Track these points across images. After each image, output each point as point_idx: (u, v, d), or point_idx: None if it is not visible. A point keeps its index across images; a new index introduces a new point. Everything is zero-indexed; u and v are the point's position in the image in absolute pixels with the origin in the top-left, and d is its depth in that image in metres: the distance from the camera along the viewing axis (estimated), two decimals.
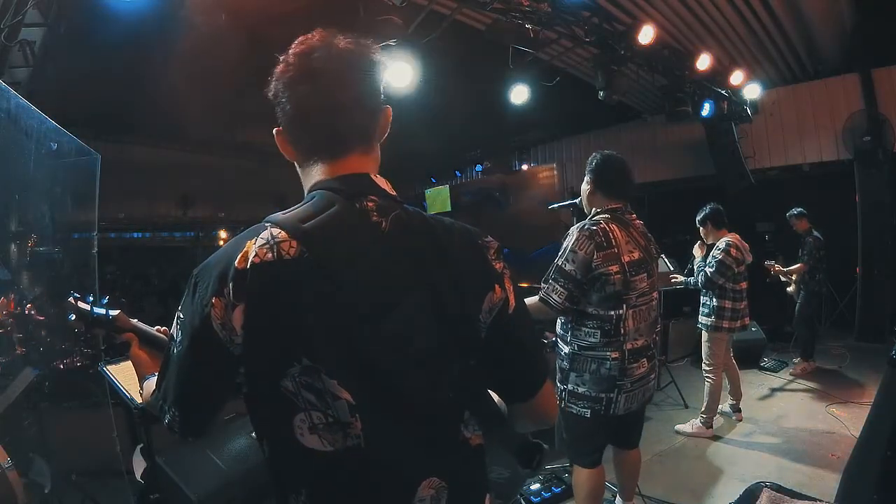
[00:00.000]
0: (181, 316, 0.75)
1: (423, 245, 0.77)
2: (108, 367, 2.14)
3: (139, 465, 2.18)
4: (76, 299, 1.18)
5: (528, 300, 2.18)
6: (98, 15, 3.49)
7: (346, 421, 0.70)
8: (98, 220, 2.87)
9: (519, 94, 5.62)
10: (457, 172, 12.27)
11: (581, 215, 2.37)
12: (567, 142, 9.85)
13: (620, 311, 1.99)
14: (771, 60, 6.47)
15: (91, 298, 1.21)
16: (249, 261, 0.69)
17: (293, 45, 0.82)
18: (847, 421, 3.68)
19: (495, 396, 0.86)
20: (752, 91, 6.34)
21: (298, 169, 0.86)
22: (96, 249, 2.84)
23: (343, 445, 0.71)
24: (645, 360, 2.07)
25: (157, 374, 0.83)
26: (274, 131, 0.86)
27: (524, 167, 11.01)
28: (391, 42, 4.02)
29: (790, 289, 5.18)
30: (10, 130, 2.39)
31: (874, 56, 6.02)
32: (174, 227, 11.61)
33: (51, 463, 2.45)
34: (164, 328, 1.22)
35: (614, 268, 1.97)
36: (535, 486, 2.82)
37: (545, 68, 5.80)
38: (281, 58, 0.83)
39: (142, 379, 1.08)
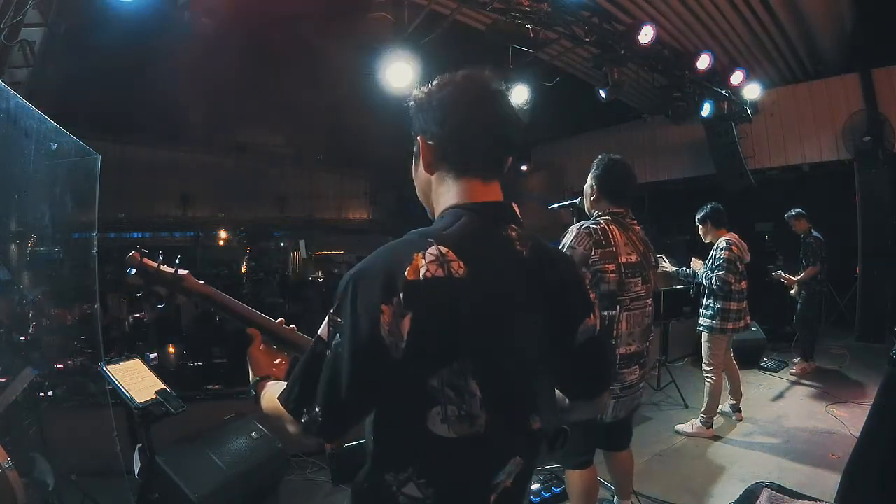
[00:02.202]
0: (339, 320, 0.79)
1: (551, 274, 0.92)
2: (108, 367, 2.15)
3: (139, 465, 2.18)
4: (141, 255, 1.19)
5: None
6: (98, 15, 3.49)
7: (476, 414, 0.81)
8: (98, 220, 2.86)
9: (519, 94, 5.62)
10: None
11: (581, 215, 2.37)
12: (567, 142, 9.85)
13: (614, 313, 1.99)
14: (771, 60, 6.47)
15: (161, 257, 1.22)
16: (422, 274, 0.76)
17: (458, 74, 0.93)
18: (847, 421, 3.68)
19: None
20: (752, 91, 6.34)
21: (427, 179, 0.95)
22: (96, 249, 2.84)
23: (466, 433, 0.81)
24: (637, 367, 2.06)
25: (285, 377, 0.93)
26: (419, 138, 0.93)
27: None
28: (390, 45, 4.03)
29: (793, 291, 5.18)
30: (10, 130, 2.39)
31: (874, 56, 6.03)
32: (174, 227, 11.61)
33: (51, 463, 2.45)
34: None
35: (611, 266, 1.97)
36: (535, 486, 2.83)
37: (545, 68, 5.80)
38: (444, 77, 0.94)
39: (256, 373, 1.10)
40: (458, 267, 0.78)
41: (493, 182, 0.91)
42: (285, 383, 0.90)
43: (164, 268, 1.21)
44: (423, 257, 0.77)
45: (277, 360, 1.15)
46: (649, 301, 2.14)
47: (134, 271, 1.19)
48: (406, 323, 0.75)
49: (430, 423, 0.80)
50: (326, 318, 0.82)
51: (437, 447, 0.81)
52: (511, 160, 0.95)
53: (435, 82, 0.94)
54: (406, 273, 0.76)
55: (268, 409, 0.96)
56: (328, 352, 0.80)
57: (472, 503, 0.87)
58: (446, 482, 0.84)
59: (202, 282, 1.24)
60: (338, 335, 0.79)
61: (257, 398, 1.04)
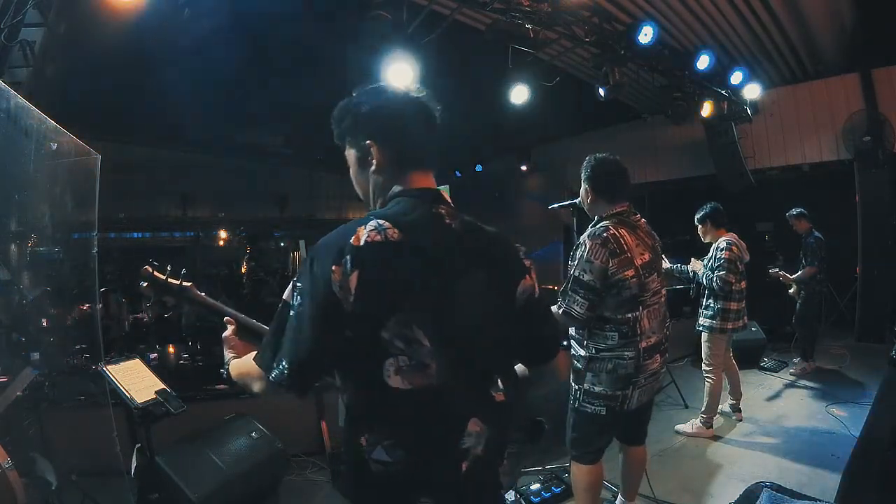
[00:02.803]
0: (300, 284, 0.94)
1: (481, 240, 1.07)
2: (108, 367, 2.15)
3: (135, 463, 2.18)
4: (153, 268, 1.41)
5: None
6: (98, 15, 3.49)
7: (425, 364, 0.92)
8: (98, 220, 2.86)
9: (519, 94, 5.62)
10: (457, 172, 12.27)
11: (581, 215, 2.37)
12: (567, 142, 9.85)
13: (637, 313, 2.01)
14: (771, 60, 6.47)
15: (170, 268, 1.44)
16: (363, 240, 0.92)
17: (385, 84, 1.13)
18: (847, 421, 3.68)
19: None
20: (752, 91, 6.33)
21: (378, 177, 1.08)
22: (96, 249, 2.83)
23: (420, 385, 0.92)
24: (658, 355, 2.10)
25: (251, 353, 1.04)
26: (367, 142, 1.07)
27: (524, 167, 11.02)
28: (390, 45, 4.03)
29: (791, 290, 5.18)
30: (10, 130, 2.39)
31: (874, 56, 6.03)
32: (174, 227, 11.61)
33: (51, 463, 2.45)
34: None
35: (630, 272, 1.99)
36: (535, 486, 2.83)
37: (545, 68, 5.79)
38: (378, 86, 1.12)
39: (228, 353, 1.25)
40: (393, 233, 0.94)
41: (428, 172, 1.09)
42: (253, 355, 1.02)
43: (171, 280, 1.43)
44: (365, 228, 0.93)
45: (243, 347, 1.27)
46: (664, 291, 2.18)
47: (146, 283, 1.40)
48: (353, 279, 0.89)
49: (386, 375, 0.91)
50: (290, 285, 0.96)
51: (396, 402, 0.92)
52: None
53: (365, 96, 1.09)
54: (352, 241, 0.92)
55: (237, 376, 1.10)
56: (291, 312, 0.94)
57: (443, 468, 0.96)
58: (412, 443, 0.94)
59: (203, 293, 1.47)
60: (299, 297, 0.93)
61: (229, 373, 1.16)
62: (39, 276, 2.92)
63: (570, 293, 2.02)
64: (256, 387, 1.01)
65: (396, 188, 1.06)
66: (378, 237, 0.92)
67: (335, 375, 1.00)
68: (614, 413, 2.05)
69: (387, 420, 0.94)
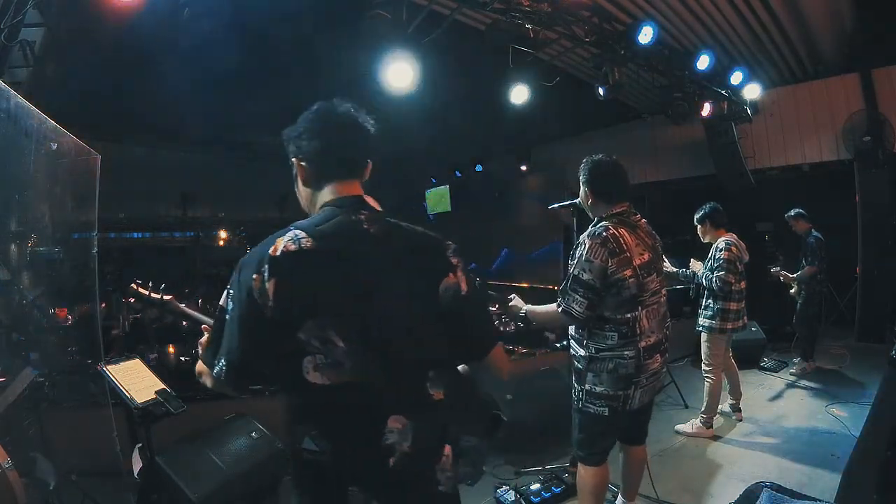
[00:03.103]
0: (231, 292, 1.04)
1: (402, 242, 1.11)
2: (108, 367, 2.15)
3: (138, 464, 2.18)
4: (137, 285, 1.61)
5: (545, 310, 2.19)
6: (98, 15, 3.48)
7: (339, 361, 1.00)
8: (98, 220, 2.86)
9: (519, 94, 5.61)
10: (457, 172, 12.26)
11: (581, 215, 2.37)
12: (567, 142, 9.85)
13: (636, 313, 2.01)
14: (771, 60, 6.47)
15: (151, 284, 1.64)
16: (280, 251, 1.00)
17: (317, 104, 1.18)
18: (847, 421, 3.68)
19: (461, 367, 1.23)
20: (752, 91, 6.33)
21: (307, 190, 1.19)
22: (96, 249, 2.83)
23: (337, 381, 1.00)
24: (658, 354, 2.10)
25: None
26: (293, 160, 1.19)
27: (524, 167, 11.01)
28: (390, 45, 4.03)
29: (792, 290, 5.18)
30: (10, 130, 2.39)
31: (874, 56, 6.02)
32: (174, 227, 11.60)
33: (51, 463, 2.45)
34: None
35: (628, 272, 1.99)
36: (535, 486, 2.83)
37: (545, 68, 5.79)
38: (312, 109, 1.18)
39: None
40: (307, 242, 1.01)
41: (351, 182, 1.17)
42: (199, 364, 1.13)
43: (154, 294, 1.63)
44: (283, 239, 1.02)
45: None
46: (664, 291, 2.18)
47: (133, 298, 1.63)
48: (271, 287, 0.98)
49: (306, 371, 1.00)
50: (225, 292, 1.06)
51: (317, 396, 1.01)
52: (370, 164, 1.21)
53: (299, 118, 1.19)
54: (270, 252, 1.01)
55: (197, 374, 1.17)
56: (226, 316, 1.04)
57: (366, 462, 1.03)
58: (334, 435, 1.03)
59: (183, 304, 1.67)
60: (231, 303, 1.04)
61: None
62: (39, 276, 2.92)
63: (569, 292, 2.02)
64: (207, 382, 1.11)
65: (322, 199, 1.15)
66: (293, 247, 1.01)
67: (266, 373, 1.09)
68: (616, 413, 2.05)
69: (311, 412, 1.05)
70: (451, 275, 1.13)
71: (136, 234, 11.14)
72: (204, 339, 1.33)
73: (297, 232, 1.03)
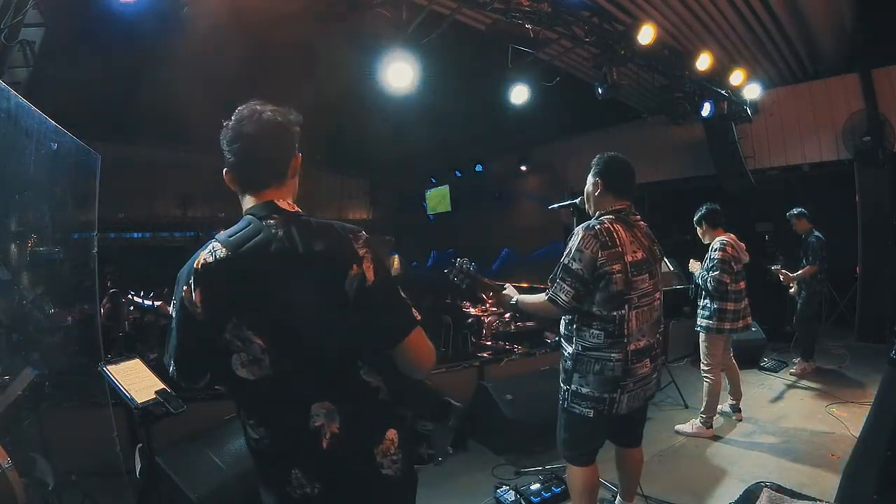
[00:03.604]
0: (174, 301, 1.17)
1: (304, 240, 1.15)
2: (108, 367, 2.15)
3: (138, 464, 2.18)
4: (133, 295, 1.81)
5: (533, 299, 2.19)
6: (98, 15, 3.49)
7: (259, 358, 1.10)
8: (98, 220, 2.86)
9: (519, 94, 5.62)
10: (457, 172, 12.26)
11: (581, 215, 2.37)
12: (567, 142, 9.84)
13: (623, 312, 2.00)
14: (771, 60, 6.47)
15: (143, 293, 1.75)
16: (201, 263, 1.12)
17: (234, 114, 1.24)
18: (847, 421, 3.68)
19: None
20: (752, 91, 6.34)
21: (239, 197, 1.26)
22: (96, 249, 2.84)
23: (260, 375, 1.11)
24: (648, 359, 2.08)
25: None
26: (224, 171, 1.24)
27: (523, 167, 11.01)
28: (390, 45, 4.03)
29: (792, 290, 5.18)
30: (10, 130, 2.39)
31: (874, 56, 6.02)
32: (174, 227, 11.60)
33: (51, 463, 2.45)
34: None
35: (617, 267, 1.98)
36: (535, 486, 2.83)
37: (545, 68, 5.79)
38: (225, 122, 1.23)
39: None
40: (222, 252, 1.11)
41: (266, 190, 1.22)
42: None
43: (146, 301, 1.74)
44: (204, 252, 1.13)
45: None
46: (657, 295, 2.16)
47: (132, 307, 1.73)
48: (198, 295, 1.10)
49: (235, 367, 1.12)
50: (172, 302, 1.20)
51: (247, 390, 1.13)
52: (298, 158, 1.27)
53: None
54: (194, 265, 1.12)
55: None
56: (172, 323, 1.17)
57: (300, 444, 1.13)
58: (267, 423, 1.15)
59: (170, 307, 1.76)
60: (173, 311, 1.18)
61: None
62: (39, 276, 2.92)
63: (558, 280, 2.03)
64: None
65: (245, 206, 1.24)
66: (210, 259, 1.12)
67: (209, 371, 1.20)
68: (602, 416, 2.03)
69: (245, 404, 1.18)
70: (354, 266, 1.15)
71: (136, 234, 11.14)
72: None
73: (215, 244, 1.14)
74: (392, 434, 1.18)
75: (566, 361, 2.13)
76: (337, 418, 1.12)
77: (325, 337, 1.13)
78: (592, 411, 2.04)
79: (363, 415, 1.16)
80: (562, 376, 2.16)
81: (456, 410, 1.25)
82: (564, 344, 2.16)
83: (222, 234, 1.17)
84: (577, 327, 2.07)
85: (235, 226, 1.19)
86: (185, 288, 1.11)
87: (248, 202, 1.23)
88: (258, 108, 1.23)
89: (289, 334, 1.11)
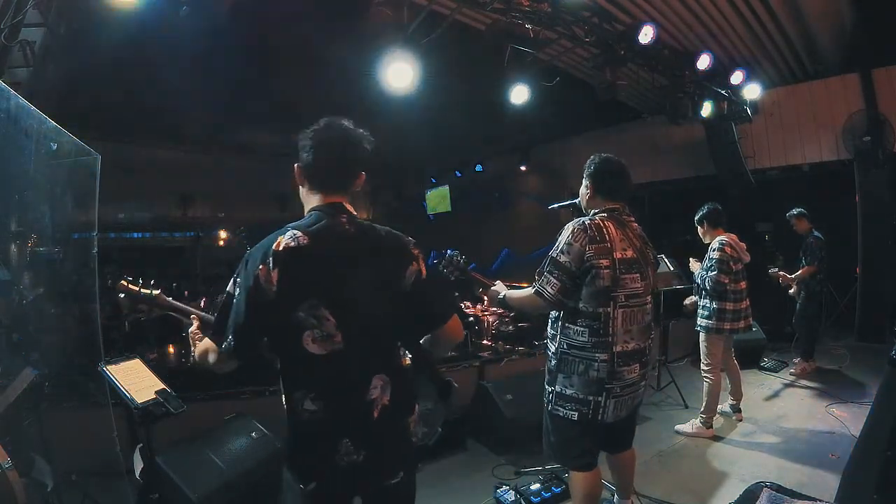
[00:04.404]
0: (238, 279, 1.27)
1: (372, 239, 1.37)
2: (108, 367, 2.15)
3: (139, 465, 2.18)
4: (128, 281, 1.68)
5: (520, 293, 2.19)
6: (98, 15, 3.49)
7: (332, 334, 1.24)
8: (98, 220, 2.86)
9: (519, 94, 5.61)
10: (457, 172, 12.26)
11: (580, 215, 2.37)
12: (567, 142, 9.85)
13: (608, 309, 1.98)
14: (771, 60, 6.47)
15: (141, 281, 1.71)
16: (282, 246, 1.24)
17: (320, 123, 1.39)
18: (847, 421, 3.69)
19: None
20: (752, 91, 6.33)
21: (302, 190, 1.44)
22: (96, 249, 2.83)
23: (331, 350, 1.24)
24: (637, 365, 2.05)
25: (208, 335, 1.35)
26: (295, 166, 1.42)
27: (523, 167, 11.00)
28: (390, 45, 4.03)
29: (791, 290, 5.18)
30: (10, 130, 2.39)
31: (874, 56, 6.02)
32: (174, 227, 11.61)
33: (51, 463, 2.45)
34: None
35: (605, 262, 1.97)
36: (535, 486, 2.83)
37: (545, 68, 5.79)
38: (314, 125, 1.39)
39: (194, 345, 1.51)
40: (303, 239, 1.26)
41: (337, 193, 1.39)
42: (200, 345, 1.37)
43: (143, 290, 1.71)
44: (284, 237, 1.25)
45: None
46: (648, 298, 2.13)
47: (122, 294, 1.68)
48: (274, 276, 1.21)
49: (305, 343, 1.23)
50: (231, 281, 1.28)
51: (315, 363, 1.24)
52: (363, 175, 1.43)
53: (306, 130, 1.40)
54: (273, 247, 1.24)
55: (198, 355, 1.38)
56: (233, 299, 1.26)
57: (355, 415, 1.27)
58: (329, 395, 1.25)
59: (170, 298, 1.77)
60: (237, 289, 1.26)
61: (194, 356, 1.43)
62: (39, 276, 2.92)
63: (545, 273, 2.03)
64: (212, 358, 1.31)
65: (311, 203, 1.40)
66: (292, 243, 1.24)
67: (267, 349, 1.30)
68: (587, 420, 2.00)
69: (310, 377, 1.26)
70: (413, 263, 1.38)
71: (136, 234, 11.15)
72: (194, 327, 1.56)
73: (294, 232, 1.27)
74: (416, 408, 1.38)
75: (550, 361, 2.12)
76: (388, 391, 1.29)
77: (385, 318, 1.32)
78: (576, 414, 2.01)
79: (403, 389, 1.33)
80: (546, 377, 2.14)
81: (455, 390, 1.43)
82: (549, 343, 2.15)
83: (297, 224, 1.31)
84: (561, 325, 2.06)
85: (306, 219, 1.34)
86: (261, 266, 1.22)
87: (315, 200, 1.39)
88: (346, 123, 1.40)
89: (357, 314, 1.27)
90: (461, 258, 2.25)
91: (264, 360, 1.34)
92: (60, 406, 2.90)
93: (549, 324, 2.16)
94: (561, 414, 2.06)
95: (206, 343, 1.33)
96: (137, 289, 1.69)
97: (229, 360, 1.29)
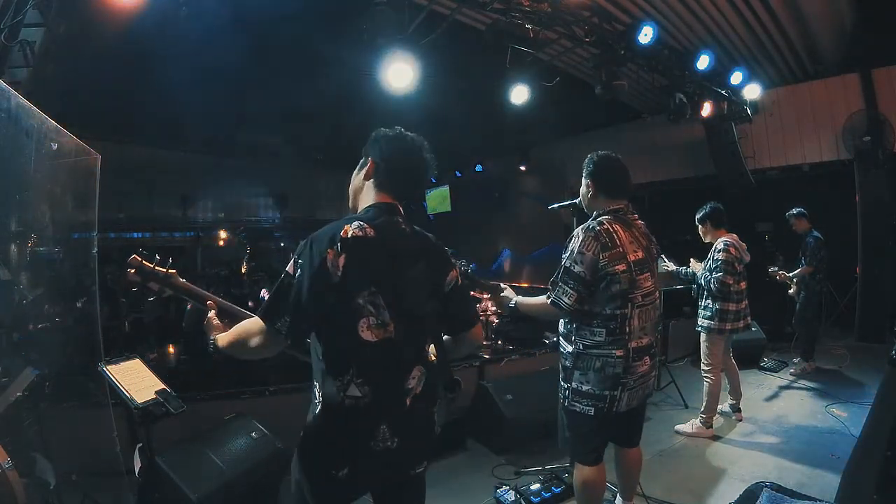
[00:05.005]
0: (300, 261, 1.28)
1: (423, 243, 1.48)
2: (108, 367, 2.15)
3: (138, 464, 2.17)
4: (142, 257, 1.61)
5: (533, 301, 2.19)
6: (98, 15, 3.48)
7: (387, 322, 1.31)
8: (98, 220, 2.86)
9: (519, 94, 5.61)
10: (457, 172, 12.26)
11: (581, 215, 2.37)
12: (567, 142, 9.85)
13: (626, 311, 2.00)
14: (771, 60, 6.47)
15: (158, 258, 1.63)
16: (350, 234, 1.30)
17: (412, 136, 1.51)
18: (847, 421, 3.69)
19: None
20: (752, 91, 6.34)
21: (365, 183, 1.49)
22: (96, 249, 2.83)
23: (382, 337, 1.30)
24: (648, 357, 2.08)
25: (238, 324, 1.40)
26: (370, 160, 1.49)
27: (523, 167, 11.00)
28: (390, 44, 4.03)
29: (791, 290, 5.18)
30: (10, 130, 2.39)
31: (874, 56, 6.03)
32: (174, 227, 11.61)
33: (51, 463, 2.44)
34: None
35: (621, 267, 1.98)
36: (535, 486, 2.83)
37: (545, 68, 5.79)
38: (394, 131, 1.51)
39: (212, 332, 1.50)
40: (369, 230, 1.33)
41: (397, 199, 1.47)
42: (235, 330, 1.39)
43: (158, 268, 1.62)
44: (351, 226, 1.31)
45: (224, 327, 1.54)
46: (657, 294, 2.15)
47: (133, 269, 1.59)
48: (341, 260, 1.26)
49: (360, 330, 1.28)
50: (292, 261, 1.30)
51: (365, 350, 1.28)
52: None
53: (389, 134, 1.50)
54: (341, 233, 1.29)
55: (228, 343, 1.39)
56: (294, 280, 1.28)
57: (395, 402, 1.33)
58: (375, 381, 1.29)
59: (183, 279, 1.67)
60: (299, 270, 1.28)
61: (216, 346, 1.43)
62: (39, 276, 2.92)
63: (560, 283, 2.02)
64: (254, 341, 1.32)
65: (368, 198, 1.47)
66: (359, 233, 1.31)
67: (311, 337, 1.35)
68: (603, 414, 2.03)
69: (358, 365, 1.29)
70: (454, 270, 1.51)
71: (136, 234, 11.14)
72: (212, 314, 1.56)
73: (360, 223, 1.34)
74: (438, 402, 1.45)
75: (565, 360, 2.13)
76: (423, 381, 1.36)
77: (428, 315, 1.42)
78: (593, 409, 2.03)
79: (431, 381, 1.40)
80: (561, 375, 2.15)
81: (460, 386, 1.50)
82: (563, 342, 2.15)
83: (360, 216, 1.40)
84: (576, 326, 2.07)
85: (368, 212, 1.42)
86: (329, 250, 1.26)
87: (375, 197, 1.45)
88: (425, 142, 1.51)
89: (409, 307, 1.35)
90: (468, 266, 2.24)
91: (304, 348, 1.38)
92: (60, 406, 2.90)
93: (562, 323, 2.16)
94: (578, 410, 2.07)
95: (249, 325, 1.35)
96: (152, 265, 1.60)
97: (276, 341, 1.29)
